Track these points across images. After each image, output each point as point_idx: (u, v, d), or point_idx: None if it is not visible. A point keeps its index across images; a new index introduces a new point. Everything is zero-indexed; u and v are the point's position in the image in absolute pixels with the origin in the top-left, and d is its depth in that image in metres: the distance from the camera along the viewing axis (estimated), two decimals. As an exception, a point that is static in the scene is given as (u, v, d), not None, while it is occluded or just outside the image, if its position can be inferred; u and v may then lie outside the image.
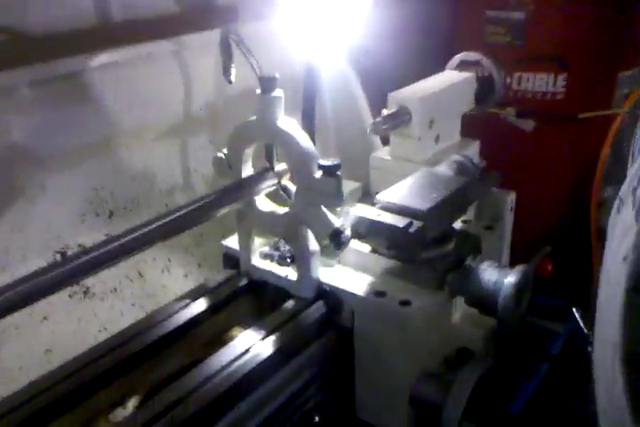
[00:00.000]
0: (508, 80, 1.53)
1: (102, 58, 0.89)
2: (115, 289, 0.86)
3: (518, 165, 1.51)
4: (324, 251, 0.82)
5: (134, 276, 0.88)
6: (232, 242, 0.89)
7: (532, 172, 1.57)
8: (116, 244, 0.65)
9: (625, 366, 0.66)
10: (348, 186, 1.01)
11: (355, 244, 0.83)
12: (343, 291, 0.81)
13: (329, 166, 0.73)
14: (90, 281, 0.83)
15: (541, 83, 1.53)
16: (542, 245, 1.05)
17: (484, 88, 1.15)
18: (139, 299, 0.88)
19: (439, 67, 1.15)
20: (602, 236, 1.61)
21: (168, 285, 0.93)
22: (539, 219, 1.59)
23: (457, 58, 1.15)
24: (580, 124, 1.54)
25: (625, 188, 0.68)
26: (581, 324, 1.05)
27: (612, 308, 0.69)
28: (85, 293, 0.82)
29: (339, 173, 0.73)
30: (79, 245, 0.83)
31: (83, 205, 0.86)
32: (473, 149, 1.13)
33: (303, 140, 0.74)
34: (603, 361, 0.72)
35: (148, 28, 0.89)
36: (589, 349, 1.03)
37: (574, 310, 1.06)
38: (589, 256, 1.57)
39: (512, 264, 1.03)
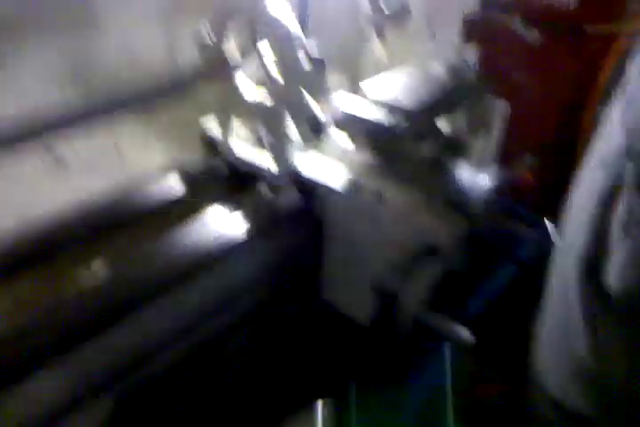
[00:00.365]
0: (518, -15, 1.45)
1: None
2: (89, 161, 0.84)
3: (515, 75, 1.46)
4: (304, 138, 0.81)
5: (110, 148, 0.87)
6: (211, 123, 0.87)
7: (529, 84, 1.53)
8: (91, 109, 0.64)
9: (582, 274, 0.68)
10: (337, 80, 0.98)
11: (335, 134, 0.82)
12: (318, 181, 0.81)
13: (316, 58, 0.70)
14: (64, 151, 0.82)
15: (553, -9, 1.45)
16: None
17: (491, -11, 1.09)
18: (113, 172, 0.87)
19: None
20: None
21: (145, 161, 0.92)
22: (531, 131, 1.56)
23: (466, -48, 1.08)
24: (588, 38, 1.48)
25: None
26: (553, 235, 1.06)
27: (582, 214, 0.70)
28: (59, 162, 0.82)
29: (324, 63, 0.71)
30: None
31: (61, 81, 0.83)
32: (470, 54, 1.10)
33: (290, 23, 0.70)
34: (562, 267, 0.74)
35: None
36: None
37: (546, 220, 1.07)
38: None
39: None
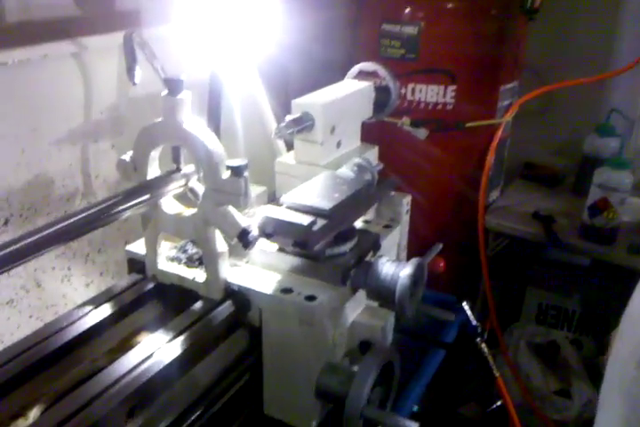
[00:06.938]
0: (403, 91, 1.62)
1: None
2: (11, 300, 0.81)
3: (413, 169, 1.60)
4: (232, 251, 0.83)
5: (32, 286, 0.84)
6: (137, 247, 0.88)
7: (425, 176, 1.68)
8: (9, 249, 0.61)
9: None
10: (254, 190, 1.03)
11: (262, 243, 0.85)
12: (250, 289, 0.82)
13: (236, 167, 0.74)
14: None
15: (433, 94, 1.64)
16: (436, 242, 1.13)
17: (382, 97, 1.21)
18: (37, 310, 0.84)
19: (341, 76, 1.20)
20: (487, 235, 1.76)
21: (68, 294, 0.90)
22: (433, 219, 1.69)
23: (356, 68, 1.20)
24: (467, 132, 1.67)
25: None
26: (470, 316, 1.13)
27: None
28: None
29: (246, 173, 0.75)
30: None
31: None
32: (372, 155, 1.19)
33: (210, 141, 0.75)
34: (624, 377, 0.70)
35: (45, 28, 0.86)
36: (478, 339, 1.11)
37: (464, 303, 1.14)
38: (478, 254, 1.70)
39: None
